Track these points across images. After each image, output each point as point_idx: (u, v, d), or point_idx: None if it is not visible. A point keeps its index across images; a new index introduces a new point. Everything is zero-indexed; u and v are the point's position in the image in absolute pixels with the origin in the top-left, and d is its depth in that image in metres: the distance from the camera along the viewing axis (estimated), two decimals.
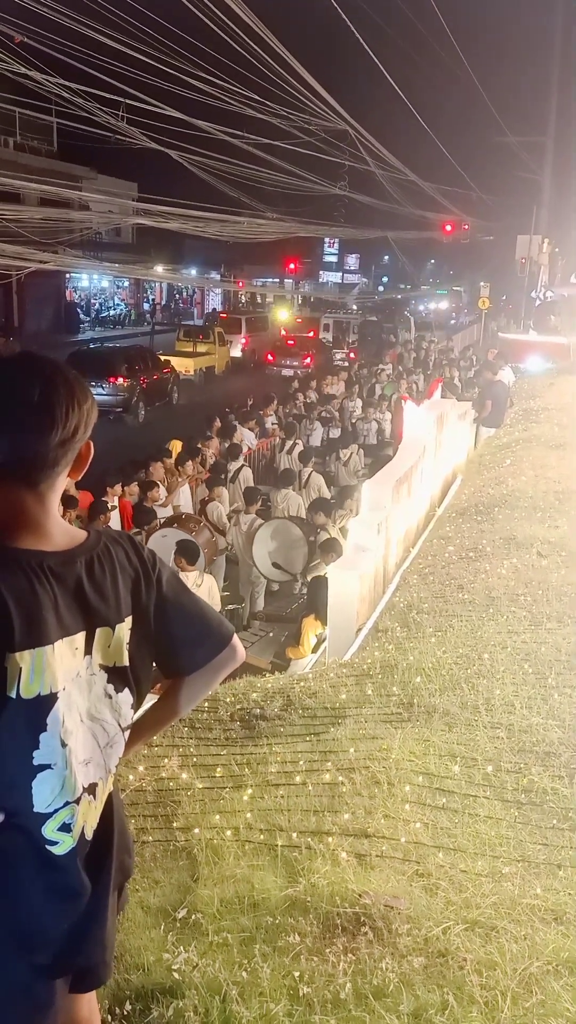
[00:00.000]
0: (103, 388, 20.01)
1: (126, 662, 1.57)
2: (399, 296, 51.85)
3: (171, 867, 2.87)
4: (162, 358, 23.94)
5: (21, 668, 1.38)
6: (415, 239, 43.43)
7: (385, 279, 68.93)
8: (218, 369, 28.87)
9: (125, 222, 25.75)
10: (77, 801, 1.48)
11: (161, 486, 10.01)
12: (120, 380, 20.45)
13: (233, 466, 11.10)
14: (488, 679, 4.24)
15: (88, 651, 1.51)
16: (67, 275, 36.28)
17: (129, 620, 1.58)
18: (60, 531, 1.51)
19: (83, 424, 1.50)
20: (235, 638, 1.75)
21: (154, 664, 1.70)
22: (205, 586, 7.26)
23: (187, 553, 7.23)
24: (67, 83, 14.92)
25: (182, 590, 1.71)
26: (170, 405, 22.85)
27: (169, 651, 1.68)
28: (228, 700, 4.22)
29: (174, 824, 3.10)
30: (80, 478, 1.58)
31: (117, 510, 9.33)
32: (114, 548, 1.59)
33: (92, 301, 43.18)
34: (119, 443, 14.98)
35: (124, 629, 1.57)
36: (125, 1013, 2.19)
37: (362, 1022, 2.19)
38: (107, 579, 1.54)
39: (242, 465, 11.32)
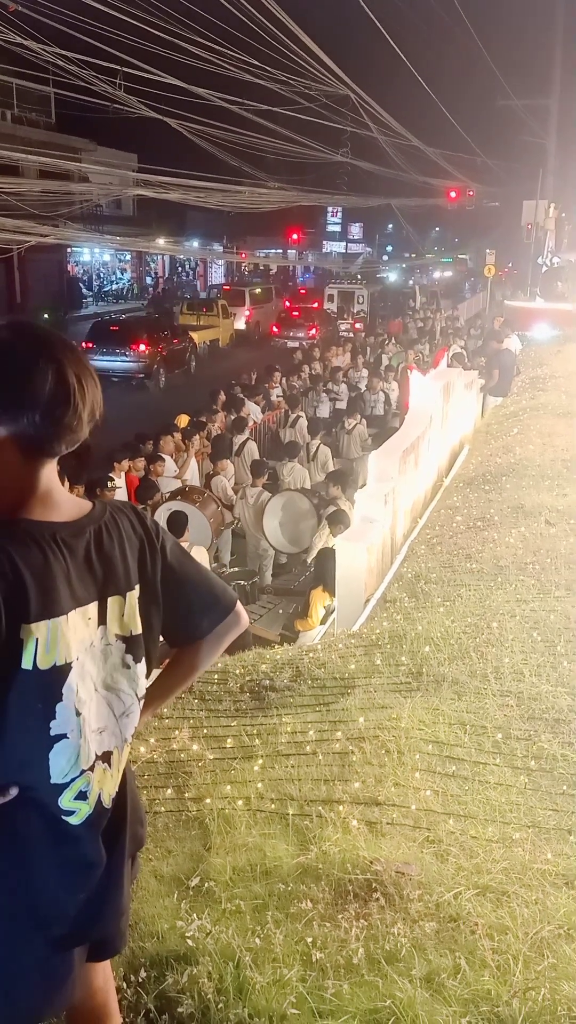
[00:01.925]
0: (126, 356, 21.01)
1: (140, 630, 1.58)
2: (403, 266, 51.40)
3: (183, 836, 2.90)
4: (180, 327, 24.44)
5: (37, 639, 1.38)
6: (419, 207, 42.94)
7: (389, 248, 68.20)
8: (222, 342, 28.71)
9: (125, 194, 25.51)
10: (91, 769, 1.50)
11: (169, 459, 9.99)
12: (142, 348, 21.14)
13: (238, 439, 11.07)
14: (497, 647, 4.24)
15: (102, 621, 1.52)
16: (68, 249, 36.02)
17: (137, 589, 1.58)
18: (67, 501, 1.52)
19: (100, 396, 1.51)
20: (239, 604, 1.76)
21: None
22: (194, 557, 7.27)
23: (173, 525, 7.26)
24: (63, 52, 14.69)
25: (186, 558, 1.71)
26: (189, 373, 23.42)
27: (175, 619, 1.69)
28: (238, 672, 4.23)
29: (186, 794, 3.12)
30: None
31: (124, 485, 9.32)
32: (120, 518, 1.59)
33: (94, 276, 42.89)
34: (144, 407, 16.14)
35: (134, 597, 1.58)
36: (140, 980, 2.21)
37: (375, 986, 2.21)
38: (115, 548, 1.55)
39: (247, 438, 11.28)
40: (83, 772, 1.48)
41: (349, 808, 2.95)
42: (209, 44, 17.42)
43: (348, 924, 2.43)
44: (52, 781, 1.44)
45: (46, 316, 27.77)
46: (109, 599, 1.53)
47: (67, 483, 8.01)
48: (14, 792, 1.42)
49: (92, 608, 1.50)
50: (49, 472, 1.48)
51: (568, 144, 31.99)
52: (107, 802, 1.54)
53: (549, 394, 11.38)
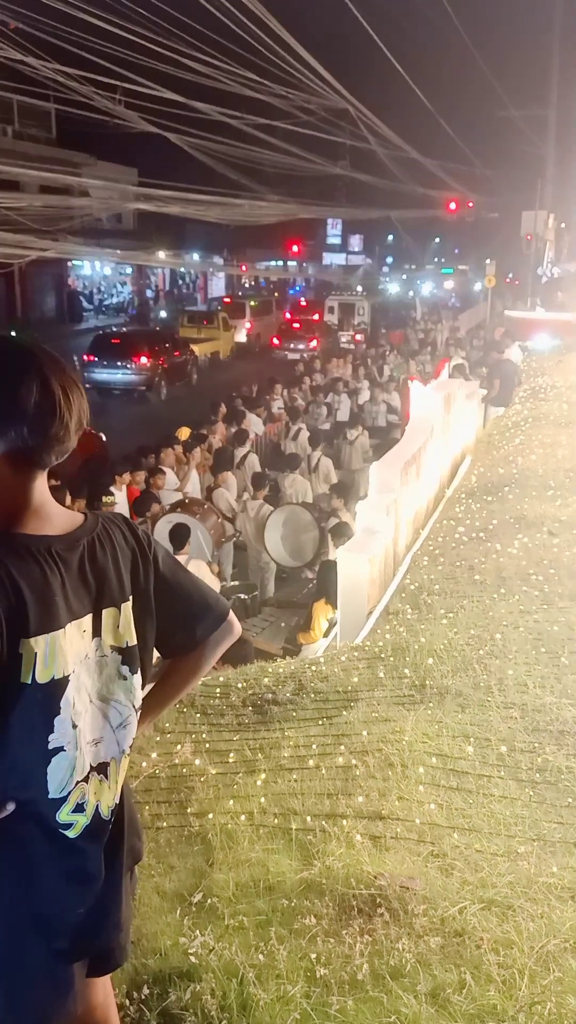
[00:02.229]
0: (128, 368, 21.06)
1: (135, 641, 1.59)
2: (403, 276, 51.54)
3: (186, 852, 2.88)
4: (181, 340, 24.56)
5: (36, 653, 1.38)
6: (419, 218, 43.01)
7: (389, 259, 68.41)
8: (223, 354, 28.80)
9: (125, 207, 25.62)
10: (86, 780, 1.49)
11: (170, 472, 10.00)
12: (143, 360, 21.22)
13: (240, 452, 11.08)
14: (500, 659, 4.23)
15: (96, 633, 1.52)
16: (69, 263, 36.18)
17: (131, 600, 1.59)
18: (60, 514, 1.52)
19: (86, 406, 1.51)
20: (231, 613, 1.77)
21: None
22: (192, 570, 7.26)
23: (174, 538, 7.28)
24: (63, 68, 14.78)
25: (178, 569, 1.72)
26: (190, 385, 23.52)
27: (169, 629, 1.69)
28: (240, 686, 4.22)
29: (188, 810, 3.11)
30: None
31: (125, 499, 9.32)
32: (112, 530, 1.60)
33: (95, 289, 43.03)
34: (145, 420, 16.43)
35: (128, 609, 1.58)
36: (143, 997, 2.20)
37: (380, 1002, 2.19)
38: (108, 560, 1.55)
39: (248, 451, 11.29)
40: (77, 784, 1.48)
41: (353, 822, 2.94)
42: (208, 59, 17.53)
43: (352, 940, 2.41)
44: (50, 796, 1.44)
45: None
46: (104, 611, 1.53)
47: (68, 497, 8.03)
48: (11, 807, 1.41)
49: (87, 620, 1.50)
50: (41, 485, 1.49)
51: (567, 154, 32.13)
52: (106, 813, 1.54)
53: (551, 404, 11.39)
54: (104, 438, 14.54)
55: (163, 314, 35.47)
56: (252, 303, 33.98)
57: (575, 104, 31.52)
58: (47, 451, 1.45)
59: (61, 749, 1.43)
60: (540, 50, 32.32)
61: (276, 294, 42.86)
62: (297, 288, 47.56)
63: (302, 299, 42.08)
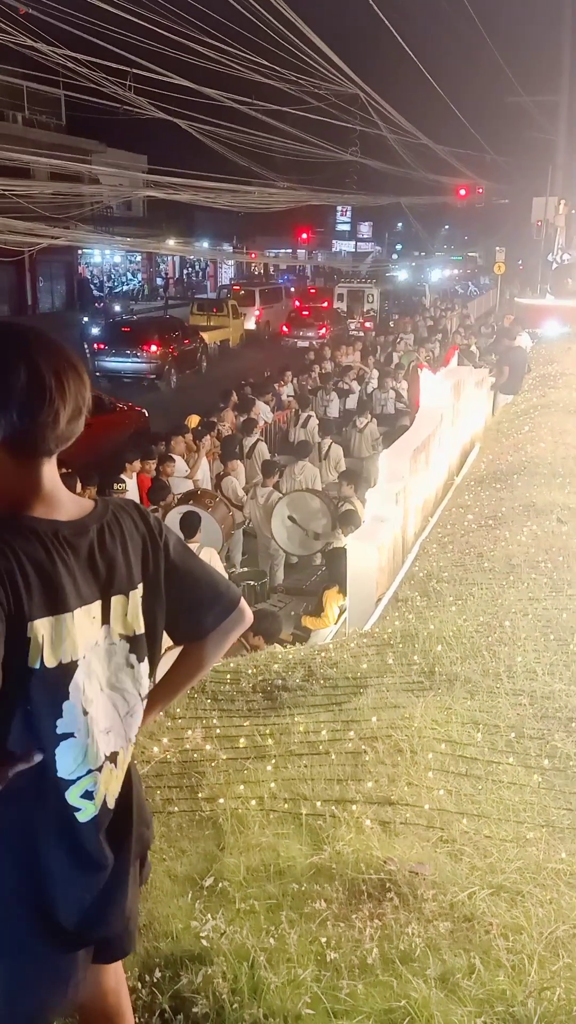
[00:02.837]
0: (138, 356, 21.09)
1: (143, 630, 1.58)
2: (413, 264, 51.28)
3: (197, 836, 2.90)
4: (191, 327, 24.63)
5: (43, 636, 1.38)
6: (429, 204, 42.84)
7: (399, 246, 68.10)
8: (232, 342, 28.77)
9: (135, 195, 25.57)
10: (99, 769, 1.50)
11: (180, 460, 10.01)
12: (154, 348, 21.25)
13: (248, 441, 11.07)
14: (509, 646, 4.23)
15: (106, 620, 1.52)
16: (79, 251, 36.10)
17: (141, 587, 1.58)
18: (69, 500, 1.52)
19: (89, 393, 1.51)
20: (243, 601, 1.76)
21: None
22: (204, 558, 7.28)
23: (185, 526, 7.29)
24: (73, 54, 14.72)
25: (189, 556, 1.71)
26: (200, 373, 23.54)
27: (179, 617, 1.68)
28: (250, 672, 4.23)
29: (199, 794, 3.13)
30: None
31: (136, 486, 9.35)
32: (122, 516, 1.59)
33: (105, 277, 43.00)
34: (155, 408, 16.23)
35: (137, 597, 1.57)
36: (155, 980, 2.22)
37: (389, 986, 2.20)
38: (118, 547, 1.54)
39: (257, 439, 11.29)
40: (90, 772, 1.48)
41: (362, 808, 2.95)
42: (218, 45, 17.44)
43: (362, 924, 2.43)
44: (59, 775, 1.44)
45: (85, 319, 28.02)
46: (112, 598, 1.52)
47: (79, 484, 8.05)
48: (39, 757, 1.40)
49: (96, 607, 1.49)
50: (47, 471, 1.47)
51: None
52: (111, 803, 1.54)
53: (560, 391, 11.33)
54: (147, 414, 14.96)
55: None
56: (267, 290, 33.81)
57: None
58: (41, 437, 1.43)
59: (71, 735, 1.43)
60: (551, 36, 32.00)
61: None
62: (284, 279, 46.66)
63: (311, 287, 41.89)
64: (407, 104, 28.19)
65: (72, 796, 1.46)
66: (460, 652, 4.19)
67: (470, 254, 56.42)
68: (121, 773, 1.57)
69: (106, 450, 10.13)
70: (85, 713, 1.45)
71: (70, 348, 1.50)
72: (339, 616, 6.55)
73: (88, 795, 1.48)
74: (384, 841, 2.79)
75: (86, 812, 1.49)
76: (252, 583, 8.60)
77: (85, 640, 1.46)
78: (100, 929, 1.57)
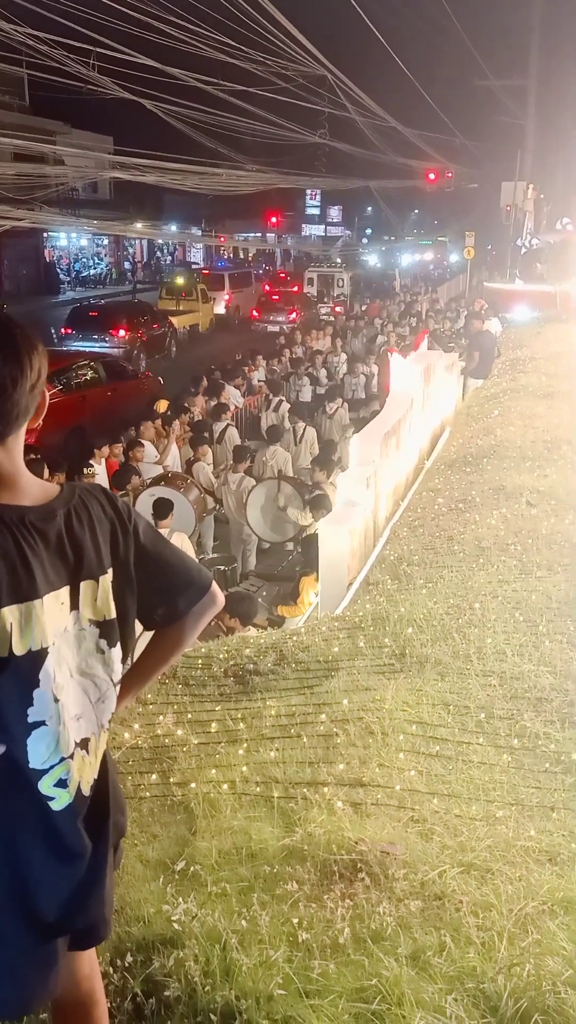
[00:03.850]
0: (105, 341, 20.72)
1: (114, 615, 1.57)
2: (383, 248, 51.22)
3: (169, 821, 2.90)
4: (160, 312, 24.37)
5: (11, 624, 1.36)
6: (398, 188, 42.74)
7: (369, 231, 67.97)
8: (202, 327, 28.57)
9: (101, 176, 25.21)
10: (71, 756, 1.48)
11: (149, 445, 9.94)
12: (122, 333, 20.99)
13: (218, 426, 11.02)
14: (479, 628, 4.26)
15: (75, 606, 1.50)
16: (44, 234, 35.63)
17: (110, 572, 1.56)
18: (34, 485, 1.49)
19: (44, 366, 1.48)
20: (214, 584, 1.74)
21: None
22: (175, 543, 7.27)
23: (157, 510, 7.27)
24: (35, 32, 14.44)
25: (159, 540, 1.69)
26: (169, 358, 23.28)
27: (151, 601, 1.67)
28: (221, 656, 4.22)
29: (171, 779, 3.12)
30: (37, 425, 1.54)
31: (105, 472, 9.28)
32: (89, 501, 1.57)
33: (72, 260, 42.45)
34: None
35: (107, 581, 1.55)
36: (127, 965, 2.21)
37: (361, 965, 2.22)
38: (86, 532, 1.52)
39: (227, 424, 11.24)
40: (63, 759, 1.46)
41: (334, 790, 2.96)
42: (183, 24, 17.20)
43: (334, 904, 2.44)
44: (31, 766, 1.42)
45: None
46: (81, 584, 1.50)
47: (47, 471, 7.97)
48: (1, 749, 1.39)
49: (64, 592, 1.48)
50: (6, 455, 1.45)
51: (546, 125, 31.95)
52: (86, 790, 1.53)
53: (529, 376, 11.41)
54: (162, 381, 15.93)
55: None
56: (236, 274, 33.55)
57: (555, 75, 31.28)
58: (9, 420, 1.42)
59: (42, 723, 1.42)
60: (520, 19, 31.99)
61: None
62: (221, 263, 45.48)
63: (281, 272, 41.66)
64: (376, 87, 28.08)
65: (45, 785, 1.45)
66: (430, 634, 4.21)
67: (440, 238, 56.43)
68: (95, 760, 1.56)
69: (129, 414, 12.02)
70: (56, 700, 1.44)
71: (3, 323, 1.46)
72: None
73: (62, 783, 1.47)
74: (356, 822, 2.80)
75: (60, 800, 1.47)
76: (222, 568, 8.59)
77: (54, 627, 1.45)
78: (80, 917, 1.57)
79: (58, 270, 39.77)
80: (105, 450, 9.59)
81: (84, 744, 1.52)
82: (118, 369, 15.41)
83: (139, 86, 17.79)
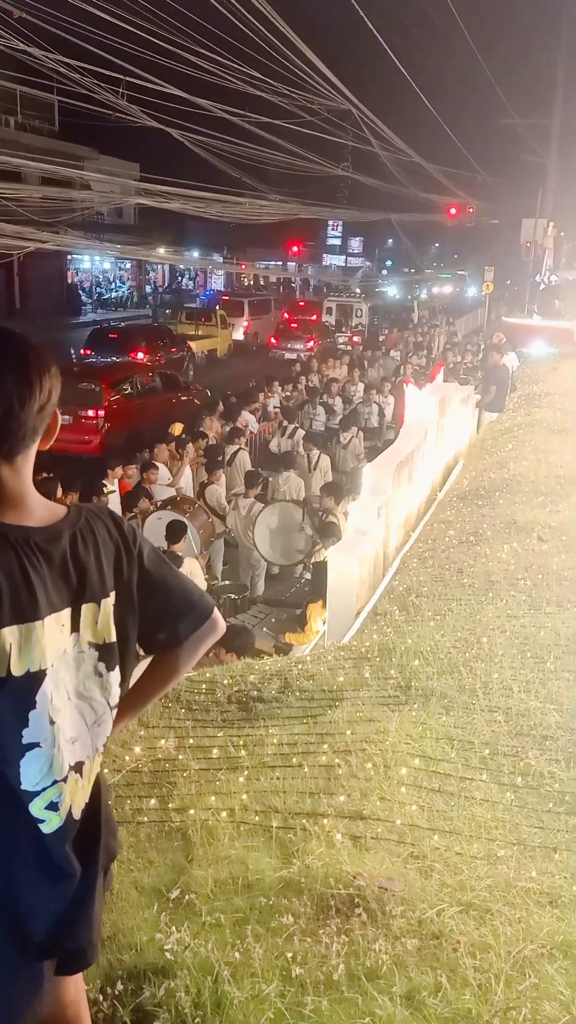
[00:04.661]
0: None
1: (114, 638, 1.56)
2: (402, 280, 51.57)
3: (166, 847, 2.87)
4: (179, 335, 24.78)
5: (11, 644, 1.36)
6: (419, 222, 43.15)
7: (389, 263, 68.52)
8: (220, 352, 28.78)
9: (126, 202, 25.59)
10: (64, 780, 1.47)
11: (163, 467, 9.99)
12: (140, 356, 21.09)
13: (230, 449, 11.07)
14: (486, 663, 4.22)
15: (75, 628, 1.50)
16: (68, 256, 36.10)
17: (113, 595, 1.56)
18: (41, 506, 1.49)
19: (55, 388, 1.48)
20: (216, 611, 1.74)
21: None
22: (185, 568, 7.27)
23: (171, 533, 7.28)
24: (66, 60, 14.75)
25: (163, 564, 1.69)
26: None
27: (152, 625, 1.66)
28: (226, 682, 4.21)
29: (169, 805, 3.09)
30: (49, 447, 1.54)
31: (117, 492, 9.31)
32: (95, 523, 1.56)
33: (94, 283, 42.95)
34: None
35: (109, 605, 1.55)
36: (116, 993, 2.18)
37: (354, 1003, 2.18)
38: (91, 555, 1.52)
39: (239, 448, 11.29)
40: (55, 782, 1.45)
41: (334, 822, 2.93)
42: (212, 56, 17.52)
43: (329, 939, 2.40)
44: (23, 788, 1.42)
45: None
46: (83, 606, 1.50)
47: (60, 490, 8.01)
48: None
49: (66, 615, 1.47)
50: (14, 475, 1.45)
51: (568, 163, 32.22)
52: (76, 814, 1.51)
53: (544, 411, 11.41)
54: (209, 393, 17.11)
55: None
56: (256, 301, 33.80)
57: None
58: (18, 439, 1.42)
59: (36, 745, 1.41)
60: (545, 59, 32.42)
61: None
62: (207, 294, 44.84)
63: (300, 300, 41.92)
64: (400, 122, 28.45)
65: (36, 808, 1.44)
66: (437, 667, 4.18)
67: (459, 272, 56.81)
68: (88, 784, 1.54)
69: (182, 420, 13.32)
70: (52, 723, 1.43)
71: (16, 343, 1.46)
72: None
73: (53, 806, 1.46)
74: (354, 856, 2.77)
75: (51, 823, 1.46)
76: (233, 596, 8.57)
77: (54, 648, 1.44)
78: (67, 940, 1.55)
79: (80, 291, 40.23)
80: (119, 471, 9.63)
81: (78, 767, 1.50)
82: (172, 380, 17.34)
83: (167, 115, 18.11)
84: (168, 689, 1.84)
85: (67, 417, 13.71)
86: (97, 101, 16.52)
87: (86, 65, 15.42)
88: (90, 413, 14.37)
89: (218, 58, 17.78)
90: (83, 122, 24.18)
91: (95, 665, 1.53)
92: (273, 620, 8.10)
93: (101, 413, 14.46)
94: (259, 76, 19.31)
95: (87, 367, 16.92)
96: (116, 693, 1.58)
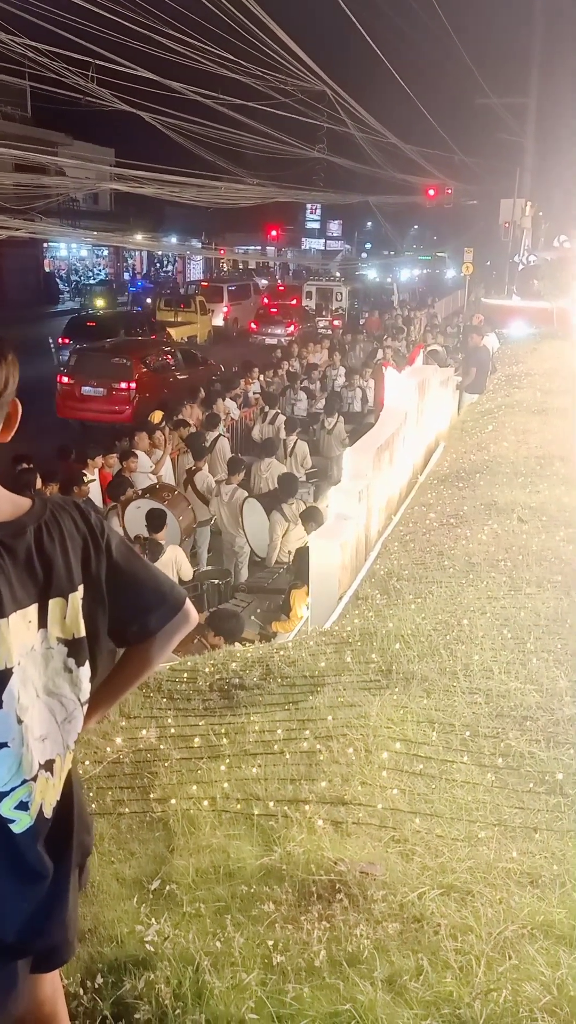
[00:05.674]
0: None
1: (83, 633, 1.53)
2: (381, 263, 51.44)
3: (147, 838, 2.86)
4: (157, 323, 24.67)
5: None
6: (398, 204, 42.97)
7: (368, 245, 68.25)
8: (200, 338, 28.59)
9: (100, 187, 25.29)
10: (34, 779, 1.45)
11: (143, 456, 9.92)
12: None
13: (210, 436, 11.01)
14: (467, 645, 4.23)
15: (43, 624, 1.47)
16: (44, 244, 35.73)
17: (81, 589, 1.53)
18: (4, 499, 1.46)
19: (11, 378, 1.44)
20: (188, 603, 1.71)
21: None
22: (169, 555, 7.24)
23: (151, 522, 7.24)
24: (35, 44, 14.52)
25: (133, 556, 1.66)
26: None
27: (122, 618, 1.63)
28: (207, 670, 4.19)
29: (151, 795, 3.08)
30: (9, 439, 1.51)
31: (97, 482, 9.25)
32: (61, 516, 1.53)
33: (71, 271, 42.56)
34: None
35: (77, 599, 1.52)
36: (97, 986, 2.17)
37: (336, 989, 2.18)
38: (56, 548, 1.49)
39: (219, 435, 11.23)
40: (25, 781, 1.43)
41: (315, 808, 2.92)
42: (184, 38, 17.31)
43: (310, 926, 2.40)
44: None
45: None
46: (50, 601, 1.47)
47: (40, 481, 7.95)
48: None
49: (32, 610, 1.44)
50: None
51: (545, 143, 32.17)
52: (48, 812, 1.49)
53: (524, 392, 11.42)
54: (222, 368, 18.34)
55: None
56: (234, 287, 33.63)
57: (555, 93, 31.52)
58: None
59: (4, 745, 1.39)
60: (521, 38, 32.27)
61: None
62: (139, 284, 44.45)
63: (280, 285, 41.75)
64: (376, 103, 28.26)
65: (6, 808, 1.41)
66: (418, 650, 4.18)
67: (439, 254, 56.69)
68: (59, 781, 1.52)
69: (204, 389, 13.99)
70: (19, 722, 1.40)
71: None
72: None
73: (23, 806, 1.43)
74: (336, 841, 2.76)
75: (21, 823, 1.44)
76: (216, 582, 8.54)
77: (20, 645, 1.41)
78: (41, 940, 1.53)
79: (57, 280, 39.85)
80: (99, 460, 9.56)
81: (48, 765, 1.48)
82: (191, 356, 19.03)
83: (139, 99, 17.89)
84: (140, 682, 1.82)
85: (101, 389, 15.65)
86: (68, 85, 16.30)
87: (55, 49, 15.20)
88: (123, 385, 15.72)
89: (190, 40, 17.57)
90: (56, 107, 23.88)
91: (64, 661, 1.50)
92: (258, 609, 8.08)
93: (133, 385, 15.79)
94: (232, 57, 19.11)
95: (117, 345, 17.96)
96: (86, 689, 1.56)
